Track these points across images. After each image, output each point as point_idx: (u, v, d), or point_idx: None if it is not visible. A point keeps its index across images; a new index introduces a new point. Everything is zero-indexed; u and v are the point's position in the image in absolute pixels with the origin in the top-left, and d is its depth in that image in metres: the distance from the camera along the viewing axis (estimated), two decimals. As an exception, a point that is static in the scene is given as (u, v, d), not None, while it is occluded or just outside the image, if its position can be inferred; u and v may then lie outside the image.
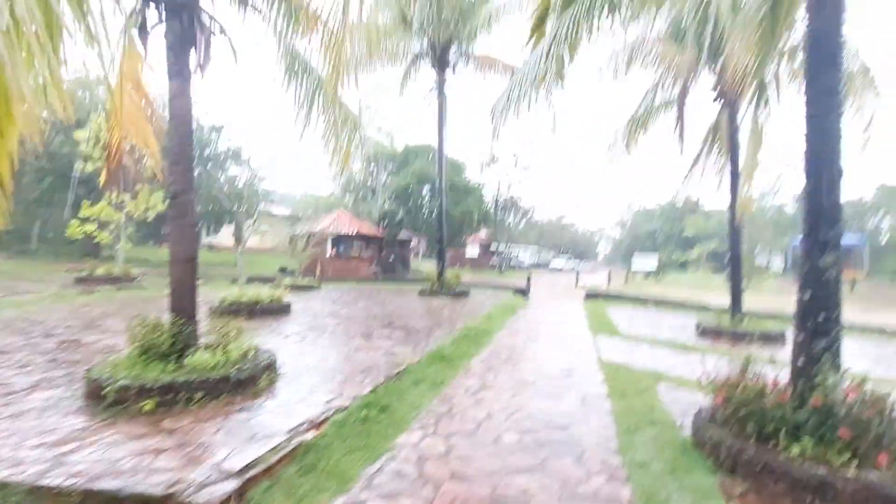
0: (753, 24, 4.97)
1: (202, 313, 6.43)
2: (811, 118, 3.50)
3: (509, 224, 39.89)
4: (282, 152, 50.40)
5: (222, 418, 4.15)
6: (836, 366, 3.48)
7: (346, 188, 29.84)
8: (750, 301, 11.48)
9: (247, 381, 4.85)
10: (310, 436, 3.90)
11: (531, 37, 4.79)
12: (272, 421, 4.14)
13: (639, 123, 12.08)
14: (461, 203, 26.37)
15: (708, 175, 12.44)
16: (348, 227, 23.48)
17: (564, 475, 3.54)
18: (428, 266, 27.97)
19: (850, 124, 8.74)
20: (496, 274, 32.12)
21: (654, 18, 10.34)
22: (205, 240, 31.85)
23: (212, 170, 27.79)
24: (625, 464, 3.75)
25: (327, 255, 22.55)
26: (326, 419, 4.27)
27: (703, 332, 10.01)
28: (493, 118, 5.14)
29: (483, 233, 38.60)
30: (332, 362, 6.45)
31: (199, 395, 4.41)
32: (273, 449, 3.55)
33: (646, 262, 32.39)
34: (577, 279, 24.87)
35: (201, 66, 5.33)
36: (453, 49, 15.40)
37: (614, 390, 5.77)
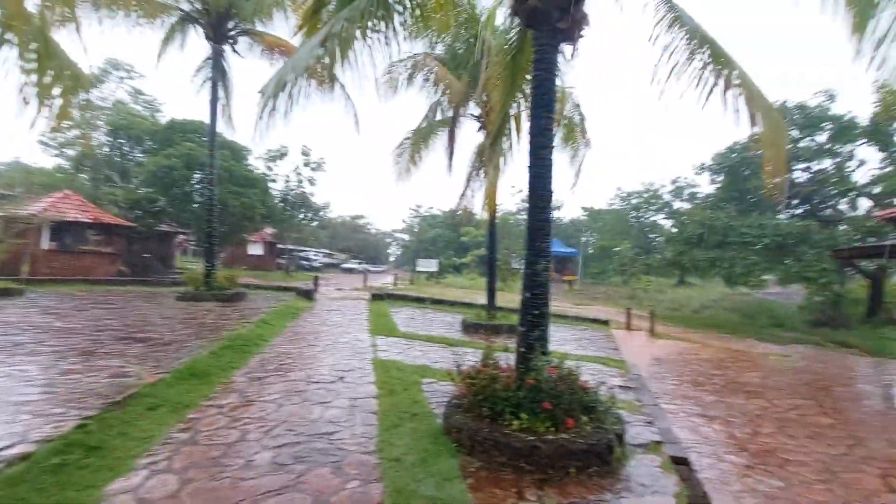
0: (501, 66, 5.90)
1: None
2: (532, 150, 4.34)
3: (299, 222, 37.91)
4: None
5: None
6: (545, 350, 4.34)
7: (80, 164, 23.18)
8: (507, 299, 13.75)
9: None
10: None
11: (301, 27, 4.52)
12: None
13: (421, 137, 13.08)
14: (243, 195, 23.60)
15: (477, 191, 14.46)
16: (78, 212, 18.24)
17: (319, 487, 3.39)
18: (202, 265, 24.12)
19: (566, 162, 11.43)
20: (283, 275, 30.05)
21: (435, 42, 11.39)
22: None
23: None
24: (380, 462, 3.85)
25: (42, 248, 17.01)
26: (-14, 480, 3.06)
27: (467, 327, 11.45)
28: (261, 100, 4.63)
29: (269, 231, 35.60)
30: (21, 393, 4.75)
31: None
32: None
33: (428, 264, 35.49)
34: (365, 280, 25.37)
35: None
36: (233, 24, 13.64)
37: (384, 389, 5.95)
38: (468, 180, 14.49)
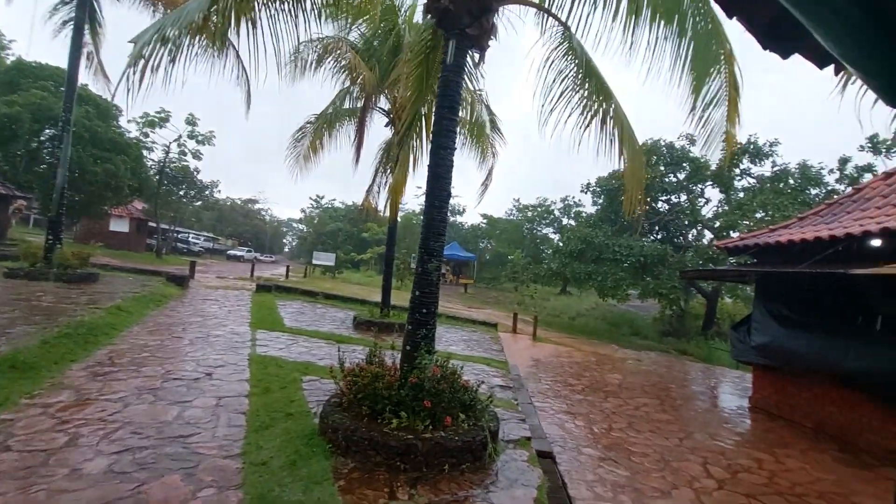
0: (415, 63, 5.85)
1: None
2: (434, 150, 4.36)
3: (179, 200, 33.80)
4: None
5: None
6: (430, 349, 4.36)
7: None
8: (403, 297, 13.65)
9: None
10: None
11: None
12: None
13: (325, 123, 12.48)
14: (108, 160, 20.21)
15: (383, 187, 14.23)
16: None
17: (163, 497, 2.98)
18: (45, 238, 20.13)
19: (475, 167, 11.76)
20: (152, 258, 26.52)
21: (349, 27, 10.96)
22: None
23: None
24: (243, 467, 3.51)
25: None
26: None
27: (359, 324, 11.15)
28: (134, 50, 3.98)
29: (140, 206, 31.15)
30: None
31: None
32: None
33: (326, 258, 34.08)
34: (252, 270, 23.48)
35: None
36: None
37: (258, 387, 5.50)
38: (375, 175, 14.22)
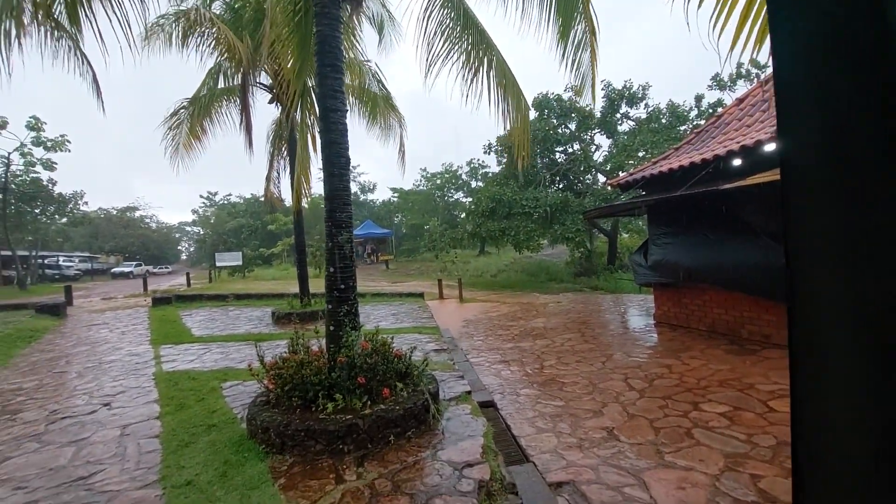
0: (289, 29, 5.32)
1: None
2: (323, 114, 4.03)
3: (35, 220, 28.77)
4: None
5: None
6: (355, 325, 4.17)
7: None
8: (323, 284, 13.05)
9: None
10: None
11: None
12: None
13: (202, 107, 11.17)
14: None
15: (283, 173, 13.22)
16: None
17: (65, 551, 2.53)
18: None
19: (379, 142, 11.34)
20: (15, 291, 22.55)
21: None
22: None
23: None
24: (165, 492, 3.12)
25: None
26: None
27: (279, 319, 10.50)
28: None
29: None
30: None
31: None
32: None
33: (230, 258, 31.45)
34: (145, 285, 20.95)
35: None
36: None
37: (171, 405, 4.93)
38: (271, 160, 13.15)
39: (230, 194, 57.30)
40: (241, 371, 6.10)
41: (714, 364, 5.88)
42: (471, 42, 5.05)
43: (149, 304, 14.33)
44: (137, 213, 54.84)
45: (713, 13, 2.97)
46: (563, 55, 5.07)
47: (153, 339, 8.83)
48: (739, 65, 21.08)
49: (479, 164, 35.28)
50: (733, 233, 6.78)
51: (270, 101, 10.99)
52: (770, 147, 6.08)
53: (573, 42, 5.06)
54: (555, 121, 23.21)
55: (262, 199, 14.22)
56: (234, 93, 11.06)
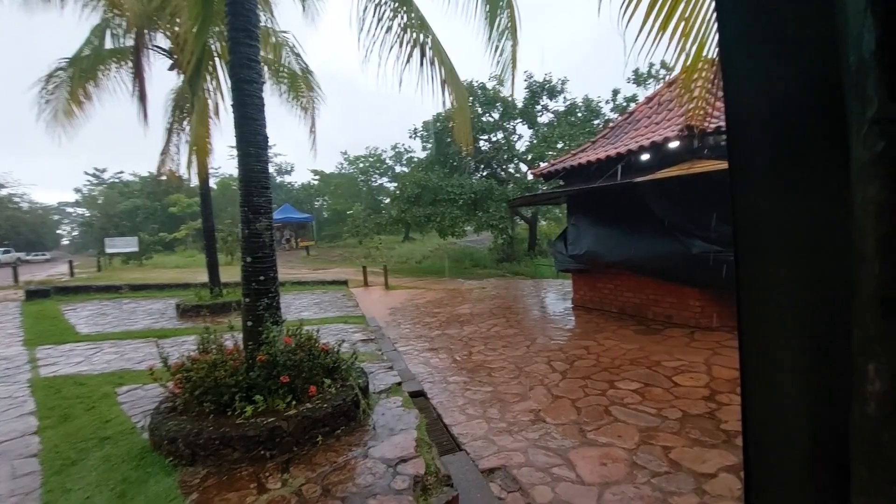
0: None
1: None
2: (236, 85, 3.60)
3: None
4: None
5: None
6: (276, 320, 3.85)
7: None
8: (236, 273, 12.03)
9: None
10: None
11: None
12: None
13: (88, 68, 9.60)
14: None
15: (183, 147, 11.83)
16: None
17: None
18: None
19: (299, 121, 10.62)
20: None
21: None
22: None
23: None
24: (44, 524, 2.66)
25: None
26: None
27: (185, 311, 9.53)
28: None
29: None
30: None
31: None
32: None
33: (124, 244, 27.97)
34: (15, 274, 17.91)
35: None
36: None
37: (52, 417, 4.24)
38: (170, 135, 11.72)
39: (122, 171, 50.62)
40: (141, 373, 5.43)
41: (625, 343, 6.37)
42: (406, 21, 4.83)
43: (20, 297, 12.26)
44: (4, 192, 46.65)
45: (622, 4, 3.11)
46: (490, 37, 5.15)
47: (27, 339, 7.56)
48: (650, 65, 22.80)
49: (405, 149, 34.85)
50: (646, 223, 7.34)
51: (171, 68, 9.77)
52: (675, 144, 6.64)
53: (497, 28, 5.16)
54: (479, 109, 23.49)
55: (158, 177, 12.69)
56: (126, 55, 9.65)
